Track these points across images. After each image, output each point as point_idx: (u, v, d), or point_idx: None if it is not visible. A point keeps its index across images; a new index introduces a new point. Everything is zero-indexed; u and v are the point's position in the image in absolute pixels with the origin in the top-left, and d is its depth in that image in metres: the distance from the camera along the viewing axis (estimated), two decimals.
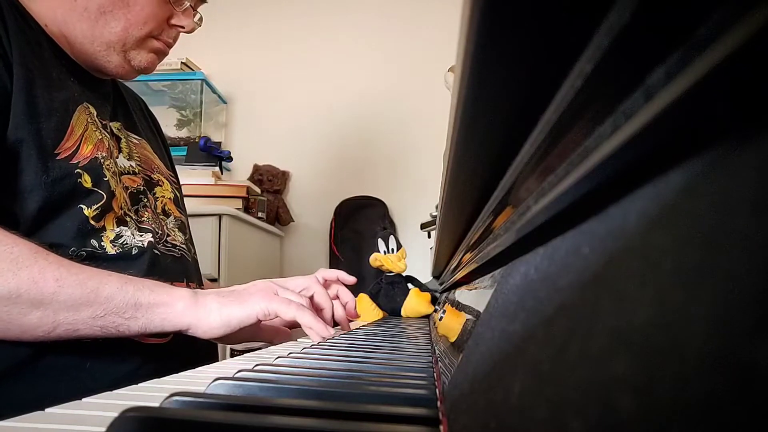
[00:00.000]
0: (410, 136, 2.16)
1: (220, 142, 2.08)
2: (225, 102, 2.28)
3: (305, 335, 0.68)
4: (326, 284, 0.81)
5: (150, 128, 0.90)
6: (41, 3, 0.68)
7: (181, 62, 2.07)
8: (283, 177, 2.18)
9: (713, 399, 0.07)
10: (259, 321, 0.65)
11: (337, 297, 0.82)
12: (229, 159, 1.95)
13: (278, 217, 2.12)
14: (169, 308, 0.59)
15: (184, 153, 1.89)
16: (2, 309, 0.51)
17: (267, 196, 2.02)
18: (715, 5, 0.09)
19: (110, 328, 0.56)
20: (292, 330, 0.78)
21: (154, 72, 0.80)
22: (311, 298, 0.71)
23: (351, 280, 0.83)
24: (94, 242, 0.64)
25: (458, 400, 0.23)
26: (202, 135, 2.00)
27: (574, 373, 0.12)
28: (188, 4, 0.76)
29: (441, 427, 0.23)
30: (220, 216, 1.57)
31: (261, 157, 2.21)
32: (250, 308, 0.60)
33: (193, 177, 1.75)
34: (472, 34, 0.14)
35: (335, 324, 0.79)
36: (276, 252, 2.12)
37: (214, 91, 2.19)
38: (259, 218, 1.88)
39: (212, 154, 1.88)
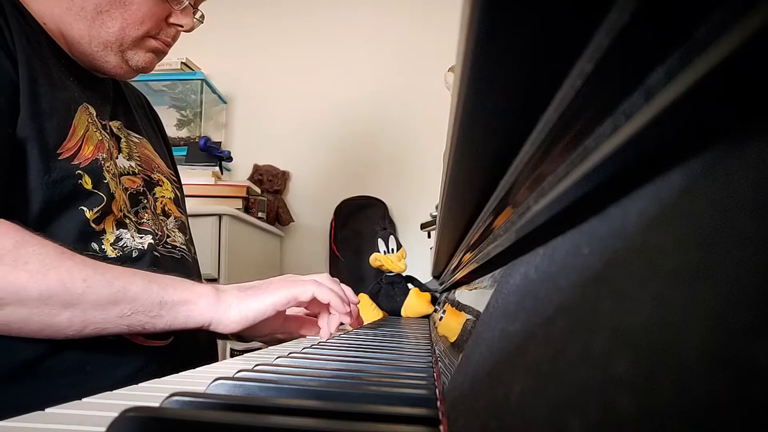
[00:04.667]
0: (410, 136, 2.16)
1: (220, 142, 2.08)
2: (225, 102, 2.28)
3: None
4: None
5: (152, 126, 0.89)
6: (40, 1, 0.68)
7: (181, 62, 2.07)
8: (283, 177, 2.18)
9: (713, 399, 0.07)
10: (280, 313, 0.67)
11: None
12: (229, 159, 1.95)
13: (278, 217, 2.12)
14: (193, 305, 0.60)
15: (184, 153, 1.89)
16: (34, 310, 0.52)
17: (267, 196, 2.02)
18: (715, 5, 0.09)
19: (136, 326, 0.57)
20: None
21: (154, 72, 0.80)
22: None
23: (354, 299, 0.85)
24: (94, 245, 0.64)
25: (458, 400, 0.23)
26: (202, 135, 2.00)
27: (574, 373, 0.12)
28: (187, 2, 0.74)
29: (441, 427, 0.23)
30: (220, 216, 1.57)
31: (261, 157, 2.21)
32: (268, 299, 0.62)
33: (193, 177, 1.75)
34: (472, 34, 0.14)
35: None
36: (276, 252, 2.12)
37: (214, 91, 2.19)
38: (259, 218, 1.88)
39: (212, 154, 1.88)
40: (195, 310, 0.60)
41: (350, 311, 0.68)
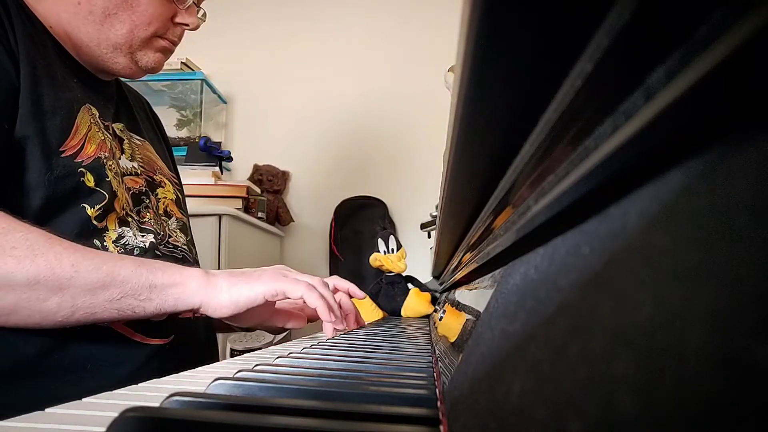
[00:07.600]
0: (410, 136, 2.16)
1: (220, 142, 2.08)
2: (225, 102, 2.28)
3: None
4: (334, 290, 0.84)
5: (153, 129, 0.90)
6: (46, 5, 0.68)
7: (181, 62, 2.07)
8: (283, 177, 2.18)
9: (713, 399, 0.07)
10: (270, 304, 0.67)
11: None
12: (229, 159, 1.95)
13: (278, 217, 2.12)
14: (182, 288, 0.59)
15: (184, 153, 1.89)
16: (22, 296, 0.51)
17: (267, 196, 2.02)
18: (715, 5, 0.09)
19: (126, 310, 0.57)
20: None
21: None
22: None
23: (360, 295, 0.86)
24: (96, 242, 0.64)
25: (458, 400, 0.23)
26: (202, 135, 2.00)
27: (574, 373, 0.12)
28: (191, 1, 0.76)
29: (441, 427, 0.23)
30: (220, 216, 1.57)
31: (261, 157, 2.21)
32: (259, 288, 0.62)
33: (193, 177, 1.75)
34: (472, 34, 0.14)
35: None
36: (276, 252, 2.12)
37: (214, 91, 2.19)
38: (259, 218, 1.88)
39: (212, 154, 1.88)
40: (185, 293, 0.59)
41: (336, 320, 0.68)
